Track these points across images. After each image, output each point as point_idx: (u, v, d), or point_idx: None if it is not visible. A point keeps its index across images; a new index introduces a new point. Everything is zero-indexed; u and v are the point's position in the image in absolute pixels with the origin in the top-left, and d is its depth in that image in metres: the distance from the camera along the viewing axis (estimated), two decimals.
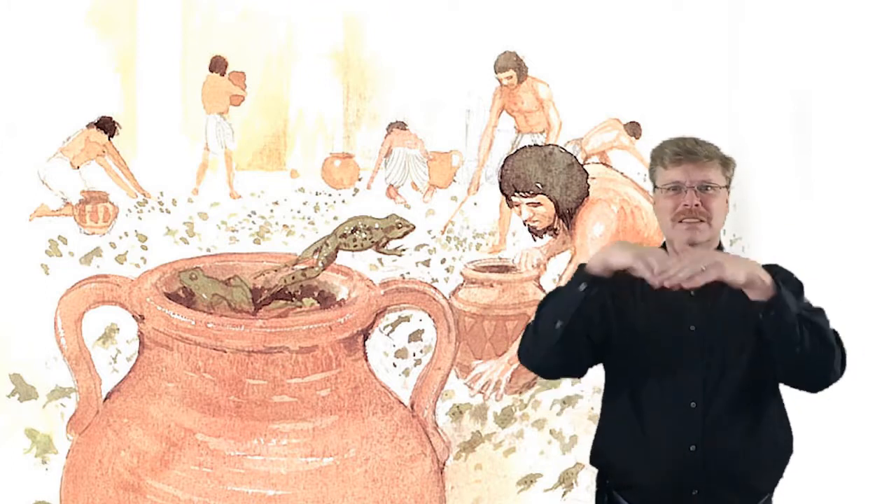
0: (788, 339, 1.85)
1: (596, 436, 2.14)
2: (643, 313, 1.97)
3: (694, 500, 1.98)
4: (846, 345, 1.97)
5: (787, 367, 1.92)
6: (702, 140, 2.01)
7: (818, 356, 1.89)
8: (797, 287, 2.01)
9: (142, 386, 2.56)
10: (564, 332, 1.91)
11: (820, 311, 1.94)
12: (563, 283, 3.74)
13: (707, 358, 1.97)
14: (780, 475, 2.05)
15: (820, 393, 1.98)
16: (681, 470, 1.97)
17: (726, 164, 2.00)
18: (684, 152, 1.97)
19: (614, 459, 2.08)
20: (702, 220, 1.95)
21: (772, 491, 2.06)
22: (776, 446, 2.04)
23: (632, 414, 2.02)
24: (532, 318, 2.00)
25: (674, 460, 1.97)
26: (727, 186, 2.00)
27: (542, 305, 1.99)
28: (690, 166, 1.96)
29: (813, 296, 2.05)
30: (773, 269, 2.03)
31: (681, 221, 1.96)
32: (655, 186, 2.03)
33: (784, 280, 1.97)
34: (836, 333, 1.93)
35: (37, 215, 4.39)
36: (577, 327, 1.92)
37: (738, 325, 1.93)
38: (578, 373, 2.05)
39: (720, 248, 2.05)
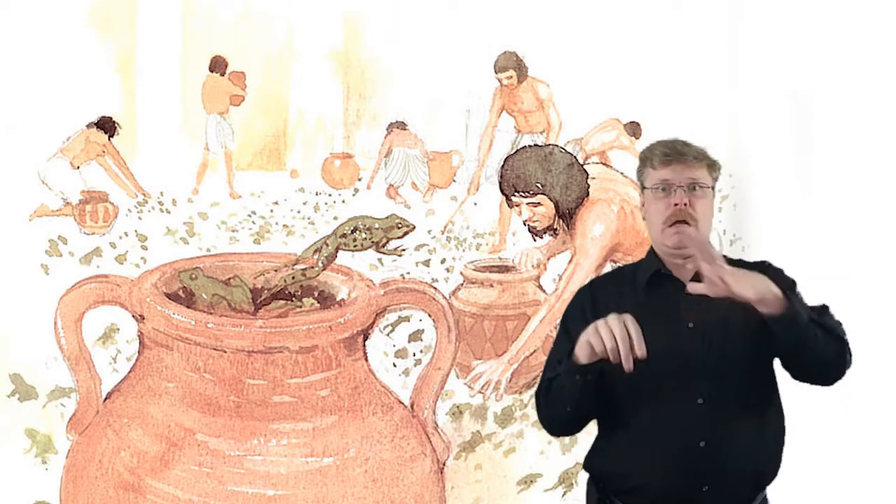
0: (804, 346, 1.89)
1: (594, 443, 2.14)
2: (638, 320, 1.97)
3: (704, 497, 1.98)
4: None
5: (804, 368, 1.96)
6: (689, 142, 2.05)
7: (834, 355, 1.94)
8: (790, 284, 2.02)
9: (142, 386, 2.57)
10: (578, 409, 1.99)
11: (825, 309, 1.98)
12: (562, 283, 3.78)
13: (708, 353, 1.97)
14: (780, 463, 2.06)
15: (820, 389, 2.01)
16: (691, 467, 1.97)
17: (713, 166, 2.03)
18: (674, 153, 2.01)
19: (617, 464, 2.06)
20: (689, 224, 1.96)
21: (772, 481, 2.07)
22: (777, 435, 2.05)
23: (636, 417, 2.01)
24: (540, 390, 2.05)
25: (684, 457, 1.97)
26: (713, 188, 2.03)
27: (547, 389, 2.01)
28: (679, 166, 1.99)
29: (813, 295, 2.06)
30: (762, 267, 2.04)
31: (671, 226, 1.97)
32: (644, 188, 2.04)
33: (774, 278, 1.98)
34: (839, 324, 1.99)
35: (37, 215, 4.38)
36: (589, 401, 1.97)
37: (735, 317, 1.93)
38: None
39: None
